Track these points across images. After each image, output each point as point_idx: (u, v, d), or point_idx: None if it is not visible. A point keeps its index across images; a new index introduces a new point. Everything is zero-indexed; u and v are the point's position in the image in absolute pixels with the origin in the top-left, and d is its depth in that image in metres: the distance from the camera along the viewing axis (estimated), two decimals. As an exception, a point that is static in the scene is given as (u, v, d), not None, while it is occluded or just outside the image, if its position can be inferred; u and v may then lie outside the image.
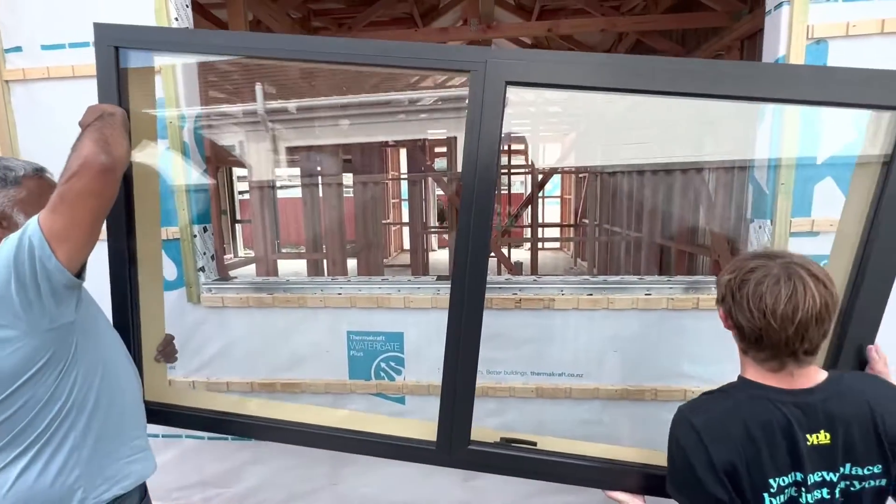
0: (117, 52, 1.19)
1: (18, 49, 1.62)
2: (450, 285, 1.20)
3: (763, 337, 0.83)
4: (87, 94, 1.59)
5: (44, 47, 1.61)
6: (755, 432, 0.83)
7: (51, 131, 1.64)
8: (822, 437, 0.82)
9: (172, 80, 1.62)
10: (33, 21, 1.59)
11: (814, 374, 0.86)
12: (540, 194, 7.39)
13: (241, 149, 4.12)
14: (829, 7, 1.35)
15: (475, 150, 1.10)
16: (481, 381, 1.66)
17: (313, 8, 4.64)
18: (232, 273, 4.35)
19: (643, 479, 1.15)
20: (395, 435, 1.32)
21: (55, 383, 0.95)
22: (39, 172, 1.06)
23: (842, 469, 0.82)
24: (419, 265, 6.03)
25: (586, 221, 7.38)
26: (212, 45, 1.20)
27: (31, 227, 0.88)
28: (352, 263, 5.54)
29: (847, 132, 1.41)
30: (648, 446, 1.20)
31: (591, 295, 1.58)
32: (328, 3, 4.57)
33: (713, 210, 3.92)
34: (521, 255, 8.29)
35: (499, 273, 5.80)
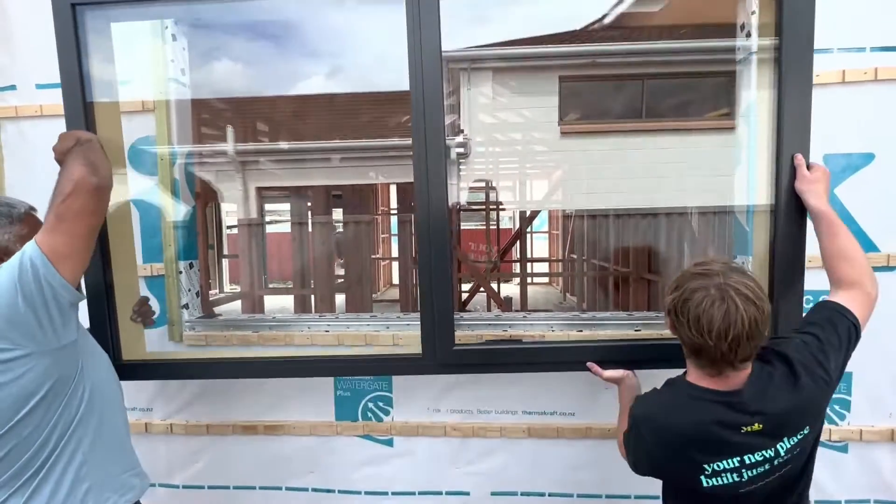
0: (74, 10, 1.18)
1: (13, 87, 1.63)
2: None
3: (702, 350, 0.94)
4: (79, 131, 1.61)
5: (38, 86, 1.63)
6: (688, 428, 0.96)
7: (38, 167, 1.64)
8: (755, 427, 0.93)
9: (165, 116, 1.64)
10: (30, 61, 1.62)
11: (745, 372, 0.96)
12: (528, 229, 7.49)
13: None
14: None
15: (419, 73, 1.15)
16: (472, 421, 1.61)
17: None
18: (217, 310, 4.26)
19: (627, 351, 1.23)
20: (384, 353, 1.43)
21: (65, 401, 0.98)
22: (33, 210, 1.10)
23: (780, 444, 0.95)
24: (408, 301, 5.98)
25: (574, 256, 7.45)
26: None
27: (30, 249, 0.92)
28: (340, 299, 5.47)
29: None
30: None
31: (580, 331, 1.57)
32: None
33: (697, 246, 4.01)
34: (510, 289, 8.29)
35: (489, 308, 5.77)
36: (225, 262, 8.70)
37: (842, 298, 1.05)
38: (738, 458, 0.94)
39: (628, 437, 1.06)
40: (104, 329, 1.29)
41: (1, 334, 0.90)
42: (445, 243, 1.26)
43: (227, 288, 9.05)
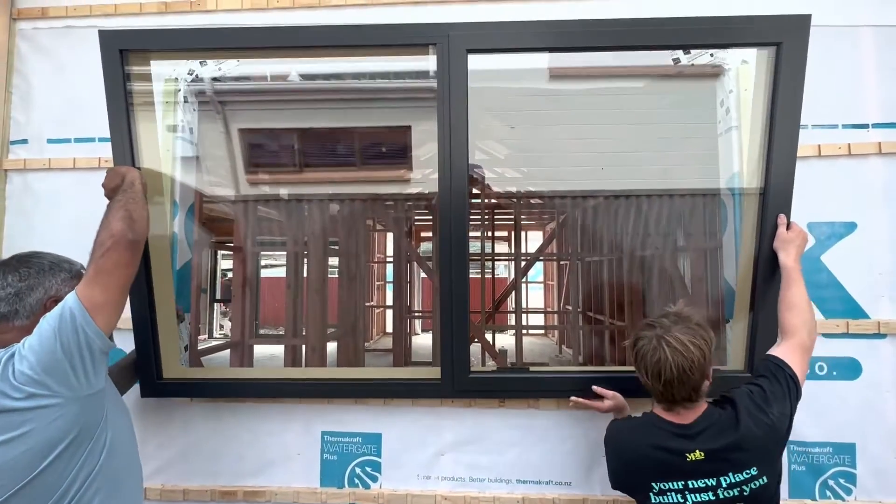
0: (122, 55, 1.35)
1: (24, 141, 1.69)
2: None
3: (648, 387, 1.16)
4: (84, 184, 1.65)
5: (49, 141, 1.68)
6: (642, 449, 1.13)
7: (39, 219, 1.66)
8: (698, 455, 1.08)
9: (170, 172, 1.69)
10: (45, 117, 1.68)
11: (698, 410, 1.14)
12: (523, 279, 7.49)
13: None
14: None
15: (447, 114, 1.34)
16: (464, 491, 1.54)
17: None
18: (205, 359, 4.15)
19: (620, 381, 1.40)
20: (402, 378, 1.56)
21: (89, 448, 1.00)
22: (83, 270, 1.16)
23: (724, 478, 1.07)
24: (402, 353, 5.86)
25: (569, 308, 7.42)
26: (203, 41, 1.41)
27: (70, 300, 0.99)
28: (331, 346, 5.35)
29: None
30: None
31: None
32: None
33: (691, 303, 4.02)
34: (505, 340, 8.16)
35: (483, 362, 5.66)
36: (216, 306, 8.58)
37: (781, 351, 1.21)
38: (683, 482, 1.08)
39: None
40: (148, 352, 1.43)
41: (39, 381, 0.94)
42: (465, 274, 1.40)
43: (217, 332, 8.86)
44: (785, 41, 1.31)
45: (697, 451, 1.08)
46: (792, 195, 1.36)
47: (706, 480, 1.07)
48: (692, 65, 1.66)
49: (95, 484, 1.01)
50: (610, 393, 1.39)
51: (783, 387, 1.15)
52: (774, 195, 1.35)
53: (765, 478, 1.08)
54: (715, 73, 1.69)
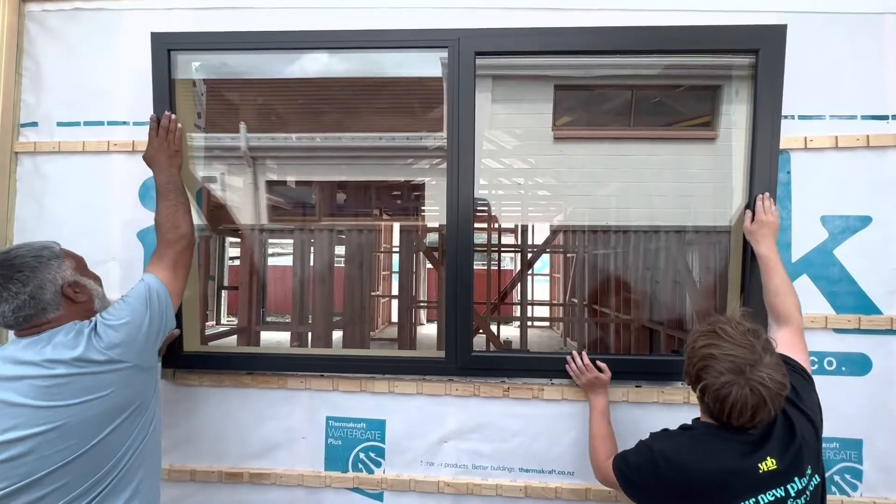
0: (169, 54, 1.52)
1: (34, 124, 1.69)
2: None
3: (713, 414, 1.01)
4: (93, 168, 1.66)
5: (59, 124, 1.68)
6: (714, 470, 0.98)
7: (48, 202, 1.67)
8: (770, 464, 0.97)
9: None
10: (54, 100, 1.68)
11: None
12: (529, 272, 7.47)
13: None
14: (788, 123, 1.49)
15: (456, 107, 1.46)
16: (466, 478, 1.55)
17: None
18: (212, 344, 4.20)
19: (629, 364, 1.51)
20: (409, 356, 1.68)
21: (144, 417, 1.12)
22: (58, 244, 1.17)
23: (791, 486, 0.97)
24: (406, 342, 5.89)
25: (575, 301, 7.40)
26: (241, 42, 1.54)
27: (155, 284, 1.16)
28: (336, 335, 5.39)
29: (816, 231, 1.49)
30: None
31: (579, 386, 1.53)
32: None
33: (698, 294, 3.99)
34: (510, 332, 8.18)
35: (487, 349, 5.67)
36: (223, 293, 8.65)
37: (784, 339, 1.19)
38: (754, 500, 0.96)
39: (631, 466, 1.11)
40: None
41: (122, 348, 1.06)
42: (469, 261, 1.49)
43: (224, 320, 8.96)
44: (762, 48, 1.41)
45: (769, 458, 0.96)
46: (776, 189, 1.44)
47: (774, 492, 0.96)
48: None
49: (143, 453, 1.11)
50: (605, 367, 1.43)
51: (802, 377, 1.12)
52: (758, 188, 1.43)
53: (817, 476, 1.01)
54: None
